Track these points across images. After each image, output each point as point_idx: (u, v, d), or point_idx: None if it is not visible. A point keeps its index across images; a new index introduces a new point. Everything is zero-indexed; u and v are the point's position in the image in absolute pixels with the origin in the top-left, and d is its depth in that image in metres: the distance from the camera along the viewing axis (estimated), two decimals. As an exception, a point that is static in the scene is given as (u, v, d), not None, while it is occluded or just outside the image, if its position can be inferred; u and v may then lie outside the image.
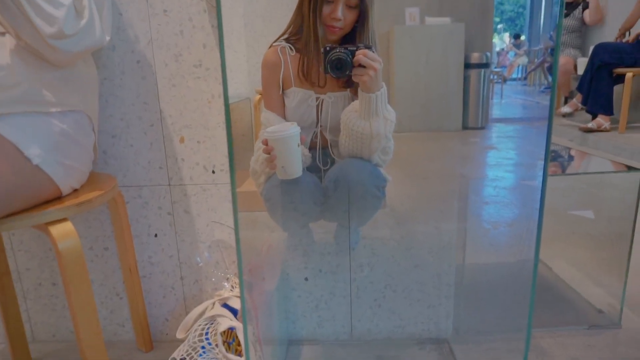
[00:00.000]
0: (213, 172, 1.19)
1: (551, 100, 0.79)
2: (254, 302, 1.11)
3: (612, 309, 1.32)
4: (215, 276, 1.25)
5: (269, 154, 0.89)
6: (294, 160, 0.89)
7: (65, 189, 0.93)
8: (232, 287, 1.19)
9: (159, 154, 1.19)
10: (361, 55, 0.86)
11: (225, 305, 1.13)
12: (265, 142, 0.88)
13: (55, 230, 0.86)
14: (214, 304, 1.14)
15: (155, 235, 1.24)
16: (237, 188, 0.78)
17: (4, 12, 0.81)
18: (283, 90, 1.02)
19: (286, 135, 0.86)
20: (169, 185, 1.21)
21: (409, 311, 1.23)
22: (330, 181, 0.97)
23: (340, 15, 0.91)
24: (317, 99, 1.01)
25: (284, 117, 1.02)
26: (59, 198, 0.93)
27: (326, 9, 0.92)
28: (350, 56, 0.87)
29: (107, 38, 1.00)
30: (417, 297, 1.22)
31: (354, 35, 0.96)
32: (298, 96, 1.00)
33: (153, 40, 1.12)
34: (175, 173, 1.20)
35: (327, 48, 0.88)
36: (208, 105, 1.15)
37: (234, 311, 1.11)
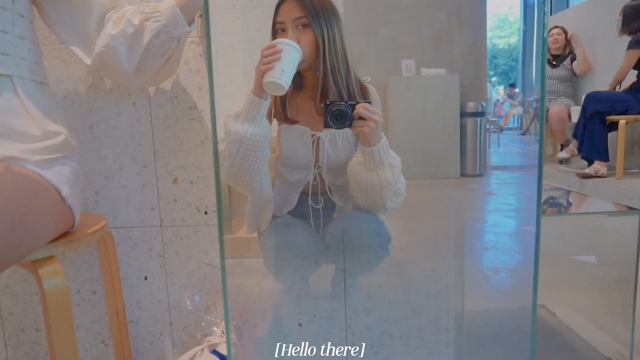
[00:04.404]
0: (205, 212, 1.18)
1: (540, 142, 0.79)
2: (244, 348, 1.06)
3: (621, 357, 1.26)
4: (205, 321, 1.20)
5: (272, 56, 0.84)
6: (292, 72, 0.86)
7: (76, 223, 0.93)
8: (222, 332, 1.14)
9: (152, 194, 1.18)
10: (361, 108, 0.87)
11: (215, 352, 1.08)
12: (274, 46, 0.84)
13: (42, 268, 0.84)
14: (202, 350, 1.09)
15: (145, 278, 1.21)
16: (232, 234, 0.76)
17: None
18: (277, 123, 0.99)
19: (297, 47, 0.85)
20: (161, 226, 1.19)
21: (407, 359, 1.17)
22: (332, 239, 0.95)
23: (292, 38, 0.88)
24: (312, 135, 0.97)
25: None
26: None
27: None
28: (351, 109, 0.88)
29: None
30: (416, 344, 1.17)
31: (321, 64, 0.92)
32: (292, 131, 0.97)
33: (150, 83, 1.14)
34: (167, 214, 1.19)
35: (327, 102, 0.88)
36: (202, 146, 1.16)
37: (223, 358, 1.06)
